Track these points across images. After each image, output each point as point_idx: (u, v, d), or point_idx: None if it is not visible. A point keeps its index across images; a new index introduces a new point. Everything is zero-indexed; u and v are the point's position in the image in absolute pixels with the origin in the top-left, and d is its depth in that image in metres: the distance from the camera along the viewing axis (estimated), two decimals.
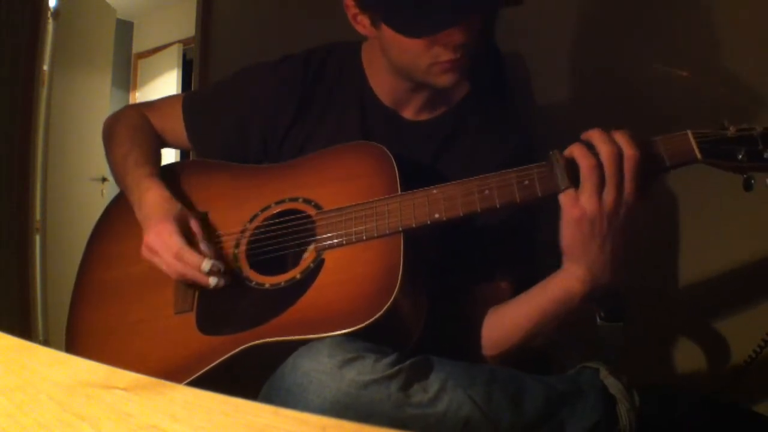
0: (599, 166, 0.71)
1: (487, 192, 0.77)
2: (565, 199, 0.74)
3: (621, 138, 0.72)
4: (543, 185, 0.75)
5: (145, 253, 0.85)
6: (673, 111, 1.26)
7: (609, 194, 0.72)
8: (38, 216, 2.58)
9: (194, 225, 0.87)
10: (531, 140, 0.98)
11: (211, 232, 0.90)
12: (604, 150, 0.72)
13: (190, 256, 0.82)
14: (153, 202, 0.88)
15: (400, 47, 0.86)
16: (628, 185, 0.72)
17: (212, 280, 0.81)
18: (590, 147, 0.73)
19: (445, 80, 0.88)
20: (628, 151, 0.71)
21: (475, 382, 0.71)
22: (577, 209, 0.73)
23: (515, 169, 0.77)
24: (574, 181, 0.73)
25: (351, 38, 1.01)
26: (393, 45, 0.87)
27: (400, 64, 0.90)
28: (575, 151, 0.73)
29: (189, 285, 0.85)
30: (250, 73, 1.04)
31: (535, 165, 0.77)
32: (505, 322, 0.86)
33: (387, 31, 0.86)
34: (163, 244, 0.83)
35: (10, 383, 0.39)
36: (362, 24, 0.90)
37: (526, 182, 0.76)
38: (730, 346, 1.24)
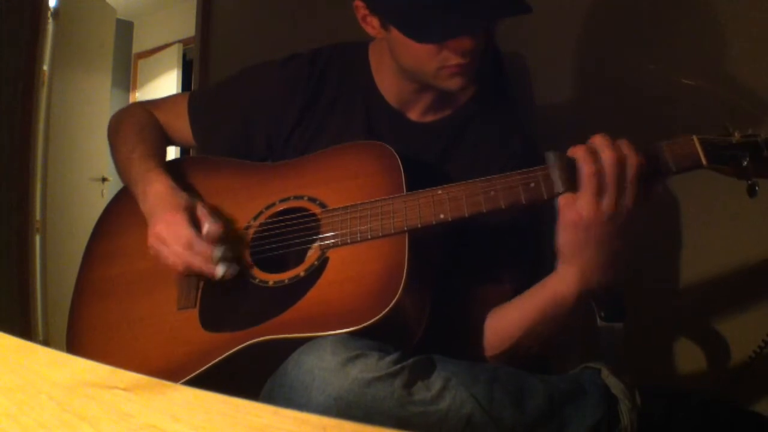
0: (600, 171, 0.70)
1: (492, 193, 0.76)
2: (562, 201, 0.73)
3: (625, 145, 0.71)
4: (549, 188, 0.75)
5: (153, 242, 0.84)
6: (673, 111, 1.26)
7: (608, 200, 0.71)
8: (38, 216, 2.58)
9: (200, 210, 0.86)
10: (534, 146, 0.98)
11: None
12: (607, 155, 0.70)
13: (201, 245, 0.81)
14: (159, 192, 0.87)
15: (408, 51, 0.86)
16: (629, 192, 0.71)
17: (220, 270, 0.81)
18: (593, 151, 0.71)
19: (453, 84, 0.88)
20: (632, 159, 0.71)
21: (477, 380, 0.71)
22: (574, 213, 0.72)
23: (520, 171, 0.76)
24: (574, 183, 0.72)
25: (352, 38, 1.01)
26: (401, 48, 0.87)
27: (407, 67, 0.90)
28: (578, 153, 0.72)
29: (192, 281, 0.85)
30: (256, 72, 1.04)
31: (540, 167, 0.76)
32: (504, 323, 0.86)
33: (396, 34, 0.85)
34: (173, 234, 0.82)
35: (10, 383, 0.39)
36: (371, 25, 0.90)
37: (532, 185, 0.75)
38: (731, 346, 1.24)
